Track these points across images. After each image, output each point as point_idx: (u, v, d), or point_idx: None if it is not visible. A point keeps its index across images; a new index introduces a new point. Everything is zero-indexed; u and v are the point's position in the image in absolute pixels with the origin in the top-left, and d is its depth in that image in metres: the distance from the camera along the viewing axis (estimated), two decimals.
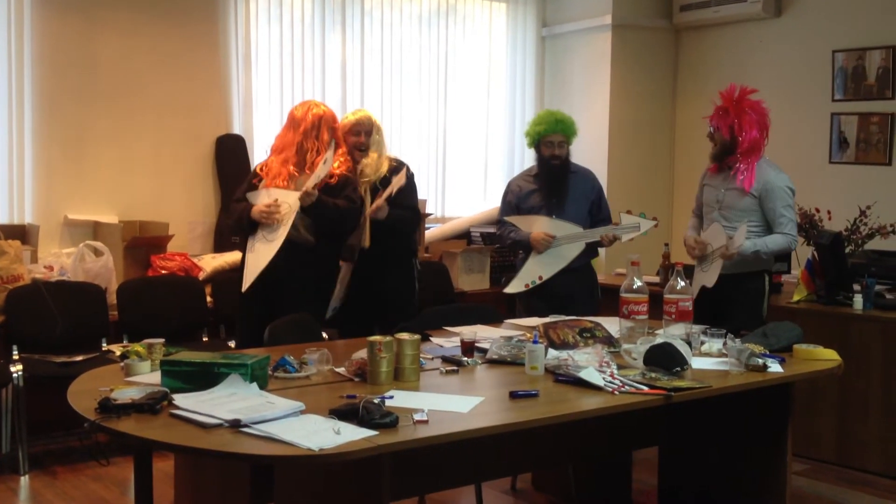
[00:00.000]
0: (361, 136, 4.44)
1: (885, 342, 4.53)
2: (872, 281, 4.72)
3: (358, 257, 4.42)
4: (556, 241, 4.58)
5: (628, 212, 4.63)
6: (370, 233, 4.36)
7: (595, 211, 4.75)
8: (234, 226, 4.46)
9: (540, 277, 4.60)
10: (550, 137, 4.67)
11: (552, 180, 4.69)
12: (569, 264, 4.58)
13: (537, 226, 4.64)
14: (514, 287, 4.69)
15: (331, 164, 4.19)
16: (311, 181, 4.11)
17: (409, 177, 4.52)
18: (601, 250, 5.15)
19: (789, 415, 3.55)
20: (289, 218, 4.12)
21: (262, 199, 4.21)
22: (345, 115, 4.62)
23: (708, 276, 4.33)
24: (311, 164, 4.23)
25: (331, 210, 4.17)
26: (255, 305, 4.20)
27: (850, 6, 6.19)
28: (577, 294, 4.62)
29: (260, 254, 4.15)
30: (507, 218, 4.76)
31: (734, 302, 4.28)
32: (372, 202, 4.35)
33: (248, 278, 4.16)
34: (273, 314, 3.92)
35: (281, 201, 4.15)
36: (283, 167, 4.25)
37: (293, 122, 4.32)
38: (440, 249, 6.45)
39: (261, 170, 4.34)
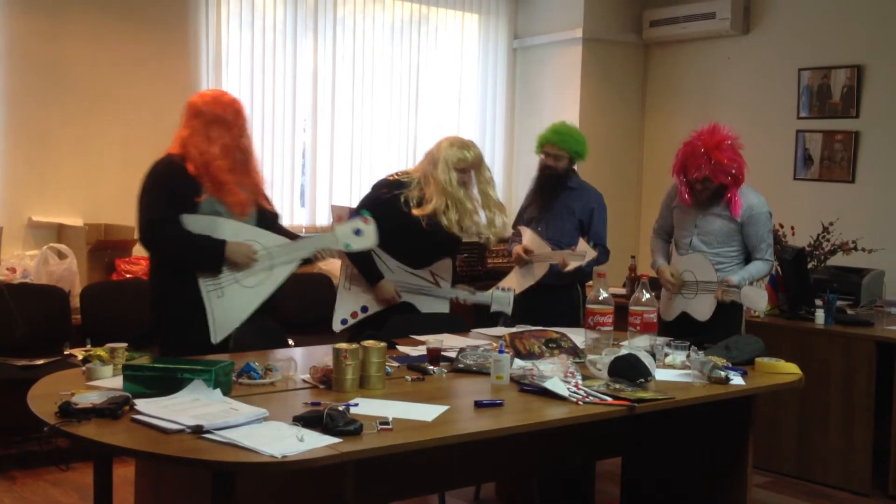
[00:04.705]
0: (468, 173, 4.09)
1: (845, 357, 4.59)
2: (834, 296, 4.79)
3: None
4: (532, 258, 4.48)
5: (584, 238, 4.39)
6: None
7: (585, 231, 4.53)
8: (189, 259, 3.56)
9: (514, 291, 4.46)
10: (547, 148, 4.59)
11: (541, 193, 4.61)
12: (547, 280, 4.42)
13: (524, 239, 4.56)
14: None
15: (373, 240, 3.76)
16: (331, 247, 3.72)
17: None
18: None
19: (750, 427, 3.59)
20: (274, 263, 3.62)
21: (225, 232, 3.56)
22: (445, 139, 4.15)
23: (697, 307, 4.15)
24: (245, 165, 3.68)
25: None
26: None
27: (817, 25, 6.29)
28: (557, 317, 4.32)
29: (238, 302, 3.57)
30: (519, 227, 4.68)
31: (721, 314, 4.13)
32: None
33: (223, 329, 3.56)
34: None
35: (258, 245, 3.61)
36: (230, 175, 3.58)
37: (222, 121, 3.64)
38: None
39: (199, 177, 3.55)
